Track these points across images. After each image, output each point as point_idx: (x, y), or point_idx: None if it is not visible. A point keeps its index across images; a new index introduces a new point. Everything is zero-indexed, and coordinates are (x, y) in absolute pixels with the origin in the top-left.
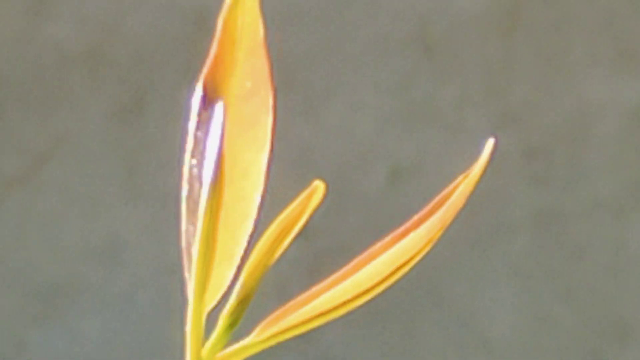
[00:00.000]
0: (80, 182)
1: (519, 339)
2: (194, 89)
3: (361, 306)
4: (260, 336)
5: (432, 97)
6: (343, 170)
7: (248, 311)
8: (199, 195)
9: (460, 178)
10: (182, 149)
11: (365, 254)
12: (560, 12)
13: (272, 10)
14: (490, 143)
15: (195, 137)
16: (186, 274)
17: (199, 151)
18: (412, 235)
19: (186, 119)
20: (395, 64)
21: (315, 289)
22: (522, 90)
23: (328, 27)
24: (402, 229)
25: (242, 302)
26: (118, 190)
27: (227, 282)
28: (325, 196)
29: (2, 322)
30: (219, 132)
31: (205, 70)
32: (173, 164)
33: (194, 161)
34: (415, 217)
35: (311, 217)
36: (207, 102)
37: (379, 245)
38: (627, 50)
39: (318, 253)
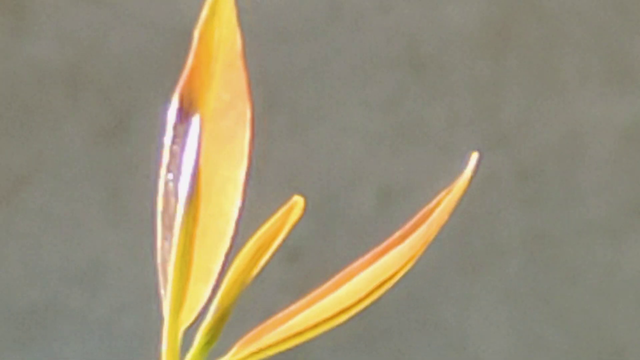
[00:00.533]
0: (61, 205)
1: None
2: (170, 102)
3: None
4: (238, 355)
5: (421, 117)
6: (331, 192)
7: (226, 330)
8: (174, 211)
9: (443, 193)
10: (158, 164)
11: (347, 270)
12: (551, 30)
13: (258, 28)
14: (474, 157)
15: (171, 151)
16: (162, 291)
17: (175, 165)
18: (395, 252)
19: (162, 132)
20: (384, 83)
21: (294, 306)
22: (513, 109)
23: (315, 45)
24: (384, 245)
25: (219, 320)
26: (100, 213)
27: (204, 300)
28: (306, 213)
29: None
30: (196, 146)
31: (181, 83)
32: (155, 185)
33: (170, 176)
34: (398, 233)
35: (298, 238)
36: (184, 115)
37: (360, 261)
38: (619, 68)
39: (306, 275)
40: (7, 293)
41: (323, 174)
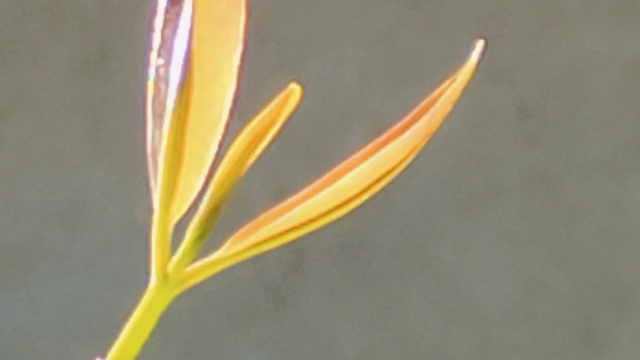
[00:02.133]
0: (41, 140)
1: (510, 307)
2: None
3: (337, 268)
4: (230, 250)
5: (417, 51)
6: (323, 129)
7: (217, 224)
8: (165, 98)
9: (447, 82)
10: (148, 48)
11: (346, 162)
12: None
13: None
14: (480, 44)
15: (163, 35)
16: (152, 183)
17: (166, 50)
18: (396, 142)
19: (152, 15)
20: (379, 15)
21: (289, 200)
22: (514, 43)
23: None
24: (385, 136)
25: (212, 214)
26: (81, 149)
27: (196, 192)
28: (296, 150)
29: None
30: (188, 29)
31: None
32: (140, 120)
33: (161, 61)
34: (400, 124)
35: (287, 176)
36: None
37: (359, 153)
38: (624, 1)
39: None
40: None
41: (314, 110)
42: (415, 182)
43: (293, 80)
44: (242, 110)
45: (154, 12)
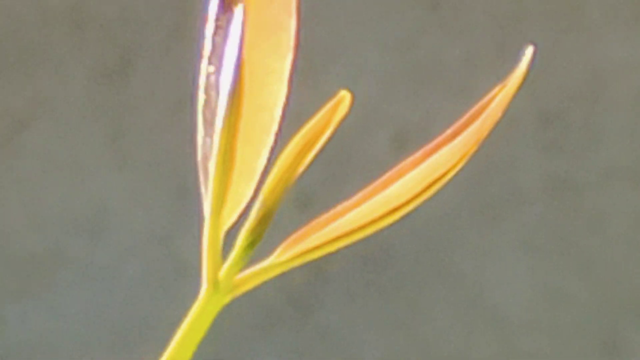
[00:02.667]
0: (63, 148)
1: (532, 316)
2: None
3: (358, 275)
4: (281, 257)
5: (438, 57)
6: (344, 136)
7: (268, 231)
8: (216, 105)
9: (497, 88)
10: (198, 55)
11: (395, 169)
12: None
13: None
14: (530, 50)
15: (213, 42)
16: (202, 190)
17: (217, 58)
18: (446, 149)
19: (203, 22)
20: (400, 20)
21: (340, 206)
22: (535, 50)
23: None
24: (434, 142)
25: (263, 220)
26: (103, 156)
27: (247, 199)
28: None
29: None
30: (239, 36)
31: None
32: (161, 127)
33: (212, 68)
34: (449, 130)
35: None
36: (226, 4)
37: (409, 160)
38: None
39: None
40: (7, 241)
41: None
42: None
43: (313, 87)
44: (292, 117)
45: (204, 19)
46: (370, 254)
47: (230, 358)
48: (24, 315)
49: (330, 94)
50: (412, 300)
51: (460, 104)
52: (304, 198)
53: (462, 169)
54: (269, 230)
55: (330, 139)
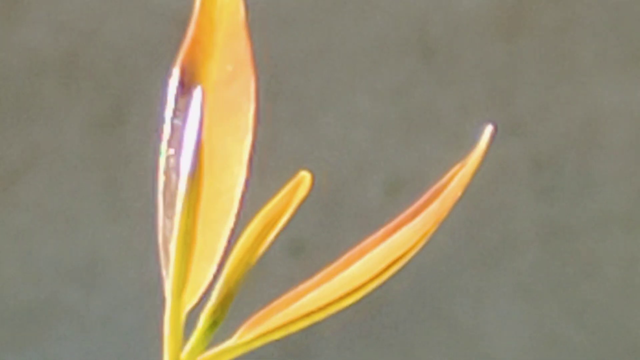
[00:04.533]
0: (56, 198)
1: None
2: (171, 74)
3: (353, 320)
4: (243, 337)
5: (431, 105)
6: (337, 182)
7: (230, 312)
8: (176, 187)
9: (456, 168)
10: (157, 139)
11: (355, 249)
12: (566, 13)
13: (262, 13)
14: (488, 130)
15: (172, 125)
16: (163, 272)
17: (177, 140)
18: (406, 229)
19: (162, 109)
20: (392, 69)
21: (301, 287)
22: (528, 96)
23: (321, 30)
24: (395, 222)
25: (224, 302)
26: (96, 206)
27: (208, 280)
28: (310, 204)
29: None
30: (198, 119)
31: (182, 54)
32: (155, 178)
33: (171, 151)
34: (409, 210)
35: (302, 229)
36: (185, 87)
37: (369, 240)
38: (638, 53)
39: (312, 269)
40: (2, 291)
41: (329, 163)
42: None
43: (307, 133)
44: (252, 200)
45: (164, 103)
46: (365, 301)
47: None
48: None
49: (325, 140)
50: (407, 348)
51: (452, 151)
52: (296, 244)
53: (456, 215)
54: (263, 275)
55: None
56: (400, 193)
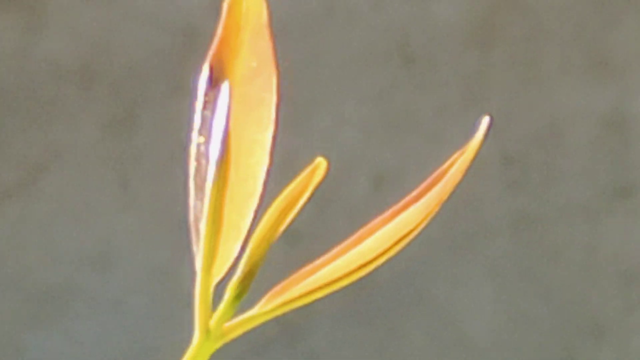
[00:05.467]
0: (75, 192)
1: (498, 337)
2: (201, 70)
3: (343, 302)
4: (266, 307)
5: (411, 108)
6: (329, 178)
7: (254, 283)
8: (206, 172)
9: (456, 155)
10: (189, 128)
11: (367, 227)
12: (533, 25)
13: None
14: (485, 121)
15: (202, 116)
16: (194, 248)
17: (206, 129)
18: (412, 209)
19: (193, 98)
20: (377, 75)
21: (318, 261)
22: (499, 99)
23: (312, 40)
24: (401, 203)
25: (249, 275)
26: (111, 199)
27: (234, 256)
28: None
29: (0, 326)
30: (225, 111)
31: (211, 52)
32: (164, 173)
33: (201, 139)
34: (414, 192)
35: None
36: (214, 82)
37: (379, 218)
38: (598, 60)
39: (305, 258)
40: (25, 275)
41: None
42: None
43: (301, 134)
44: (274, 181)
45: (194, 95)
46: (355, 284)
47: None
48: (41, 342)
49: (317, 140)
50: (391, 326)
51: (431, 149)
52: (294, 235)
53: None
54: (261, 267)
55: (308, 199)
56: (385, 186)
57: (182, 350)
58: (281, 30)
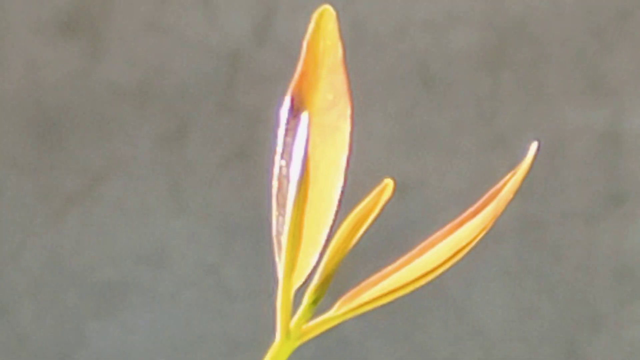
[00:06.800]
0: (132, 198)
1: (508, 328)
2: (284, 101)
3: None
4: (339, 310)
5: (430, 124)
6: (358, 186)
7: (329, 290)
8: (287, 191)
9: (509, 175)
10: (272, 153)
11: (429, 240)
12: (538, 51)
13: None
14: (534, 146)
15: (284, 141)
16: (277, 258)
17: (287, 153)
18: (468, 224)
19: (276, 126)
20: (400, 96)
21: (386, 270)
22: (508, 117)
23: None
24: (459, 219)
25: (324, 282)
26: (163, 205)
27: (312, 265)
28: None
29: (65, 316)
30: (305, 137)
31: (292, 85)
32: (211, 181)
33: (283, 162)
34: (471, 209)
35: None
36: (295, 112)
37: (440, 233)
38: (596, 84)
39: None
40: (89, 271)
41: (351, 171)
42: (431, 228)
43: None
44: (346, 200)
45: (277, 123)
46: None
47: None
48: (101, 332)
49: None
50: (412, 317)
51: (448, 161)
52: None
53: (449, 212)
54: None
55: (376, 218)
56: (407, 195)
57: (228, 339)
58: None
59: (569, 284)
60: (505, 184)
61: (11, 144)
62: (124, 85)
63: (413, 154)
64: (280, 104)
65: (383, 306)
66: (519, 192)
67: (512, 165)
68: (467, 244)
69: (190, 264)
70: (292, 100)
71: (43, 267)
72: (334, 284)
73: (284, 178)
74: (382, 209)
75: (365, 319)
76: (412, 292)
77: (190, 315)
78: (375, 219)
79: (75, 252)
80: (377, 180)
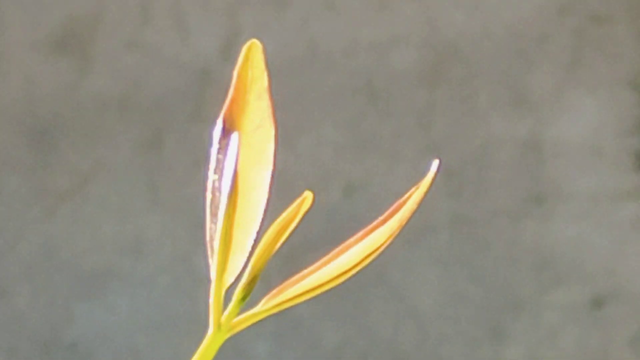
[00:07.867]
0: (114, 196)
1: (441, 311)
2: (215, 123)
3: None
4: (265, 306)
5: (375, 132)
6: (309, 187)
7: (255, 288)
8: (219, 202)
9: (412, 189)
10: (206, 168)
11: (343, 244)
12: (470, 69)
13: None
14: (436, 163)
15: (217, 159)
16: (209, 261)
17: (220, 169)
18: (378, 231)
19: (209, 145)
20: (348, 107)
21: (306, 270)
22: (443, 127)
23: (297, 79)
24: (370, 226)
25: (251, 282)
26: (142, 202)
27: (240, 267)
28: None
29: (56, 299)
30: (235, 155)
31: (224, 109)
32: (183, 182)
33: (216, 176)
34: (380, 218)
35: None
36: (225, 133)
37: (353, 238)
38: (520, 98)
39: (291, 249)
40: (75, 259)
41: (303, 174)
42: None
43: (289, 153)
44: (270, 210)
45: (210, 142)
46: None
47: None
48: (87, 312)
49: (300, 157)
50: (358, 300)
51: (390, 165)
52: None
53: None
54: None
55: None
56: (354, 195)
57: (198, 319)
58: (275, 71)
59: (494, 272)
60: (410, 197)
61: (9, 147)
62: (108, 97)
63: (359, 159)
64: (213, 125)
65: (333, 291)
66: (452, 192)
67: (447, 168)
68: (378, 248)
69: (165, 254)
70: (224, 123)
71: (37, 256)
72: (267, 278)
73: (216, 190)
74: (302, 219)
75: (318, 301)
76: (356, 279)
77: (165, 299)
78: (297, 228)
79: (66, 243)
80: (328, 181)
